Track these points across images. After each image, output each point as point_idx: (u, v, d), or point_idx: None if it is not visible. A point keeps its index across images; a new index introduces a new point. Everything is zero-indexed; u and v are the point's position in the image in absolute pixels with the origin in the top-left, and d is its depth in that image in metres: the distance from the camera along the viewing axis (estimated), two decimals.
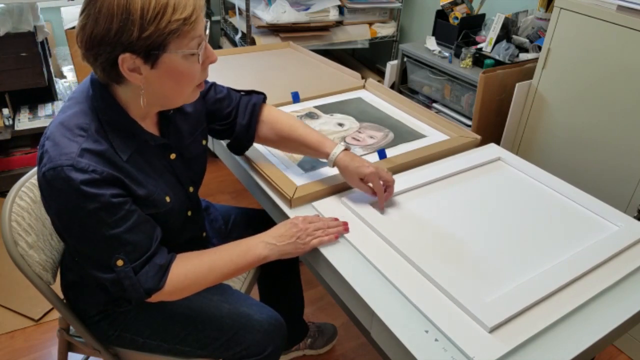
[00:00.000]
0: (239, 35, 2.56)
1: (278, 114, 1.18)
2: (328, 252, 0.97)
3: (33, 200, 1.07)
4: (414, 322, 0.82)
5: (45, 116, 2.30)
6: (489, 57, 1.92)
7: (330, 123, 1.42)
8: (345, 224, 1.01)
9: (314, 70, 1.81)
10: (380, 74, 2.80)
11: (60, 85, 2.51)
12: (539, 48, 1.83)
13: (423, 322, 0.82)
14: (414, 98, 2.24)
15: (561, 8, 1.59)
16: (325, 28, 2.46)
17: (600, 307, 0.87)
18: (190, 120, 1.04)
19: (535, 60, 1.76)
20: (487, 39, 1.97)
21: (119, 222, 0.84)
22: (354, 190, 1.13)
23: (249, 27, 2.37)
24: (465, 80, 1.94)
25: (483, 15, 2.15)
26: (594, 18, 1.51)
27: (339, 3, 2.46)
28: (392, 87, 2.38)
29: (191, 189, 1.05)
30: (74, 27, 2.15)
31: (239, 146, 1.19)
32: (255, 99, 1.17)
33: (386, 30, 2.64)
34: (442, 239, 1.01)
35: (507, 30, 1.97)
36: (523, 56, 1.91)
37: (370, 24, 2.61)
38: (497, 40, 1.94)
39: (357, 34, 2.55)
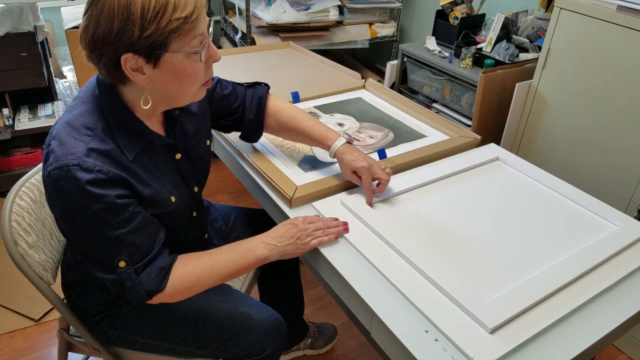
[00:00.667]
0: (239, 35, 2.56)
1: (283, 105, 1.20)
2: (328, 252, 0.97)
3: (33, 200, 1.07)
4: (414, 322, 0.82)
5: (45, 116, 2.30)
6: (489, 57, 1.92)
7: (330, 123, 1.42)
8: (345, 224, 1.01)
9: (314, 70, 1.81)
10: (380, 74, 2.80)
11: (60, 85, 2.51)
12: (539, 48, 1.83)
13: (423, 322, 0.82)
14: (414, 98, 2.24)
15: (561, 8, 1.59)
16: (325, 28, 2.46)
17: (600, 307, 0.87)
18: (196, 120, 1.05)
19: (535, 60, 1.76)
20: (487, 39, 1.97)
21: (123, 223, 0.84)
22: (354, 190, 1.13)
23: (249, 27, 2.37)
24: (465, 80, 1.94)
25: (483, 15, 2.15)
26: (594, 18, 1.51)
27: (339, 3, 2.46)
28: (392, 87, 2.38)
29: (196, 189, 1.05)
30: (74, 27, 2.16)
31: (249, 138, 1.23)
32: (260, 92, 1.19)
33: (386, 30, 2.64)
34: (442, 239, 1.01)
35: (507, 30, 1.97)
36: (523, 56, 1.91)
37: (370, 24, 2.61)
38: (497, 40, 1.94)
39: (357, 34, 2.55)
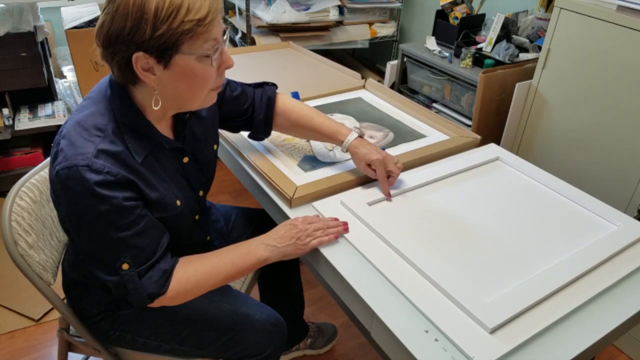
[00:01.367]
0: (239, 35, 2.56)
1: (292, 103, 1.21)
2: (328, 252, 0.97)
3: (33, 200, 1.07)
4: (414, 322, 0.82)
5: (45, 116, 2.30)
6: (489, 57, 1.92)
7: None
8: (345, 224, 1.01)
9: (314, 70, 1.81)
10: (380, 74, 2.80)
11: (60, 85, 2.51)
12: (539, 48, 1.83)
13: (423, 322, 0.82)
14: (414, 98, 2.24)
15: (561, 8, 1.59)
16: (325, 28, 2.46)
17: (600, 307, 0.87)
18: (204, 124, 1.05)
19: (535, 60, 1.76)
20: (487, 39, 1.97)
21: (129, 225, 0.84)
22: (354, 190, 1.13)
23: (249, 27, 2.38)
24: (465, 80, 1.94)
25: (483, 15, 2.15)
26: (594, 18, 1.51)
27: (339, 3, 2.46)
28: (392, 87, 2.38)
29: (201, 193, 1.05)
30: (74, 27, 2.16)
31: (257, 137, 1.24)
32: (269, 92, 1.20)
33: (386, 30, 2.64)
34: (442, 239, 1.01)
35: (507, 30, 1.97)
36: (523, 56, 1.91)
37: (370, 24, 2.61)
38: (497, 40, 1.95)
39: (357, 34, 2.55)
